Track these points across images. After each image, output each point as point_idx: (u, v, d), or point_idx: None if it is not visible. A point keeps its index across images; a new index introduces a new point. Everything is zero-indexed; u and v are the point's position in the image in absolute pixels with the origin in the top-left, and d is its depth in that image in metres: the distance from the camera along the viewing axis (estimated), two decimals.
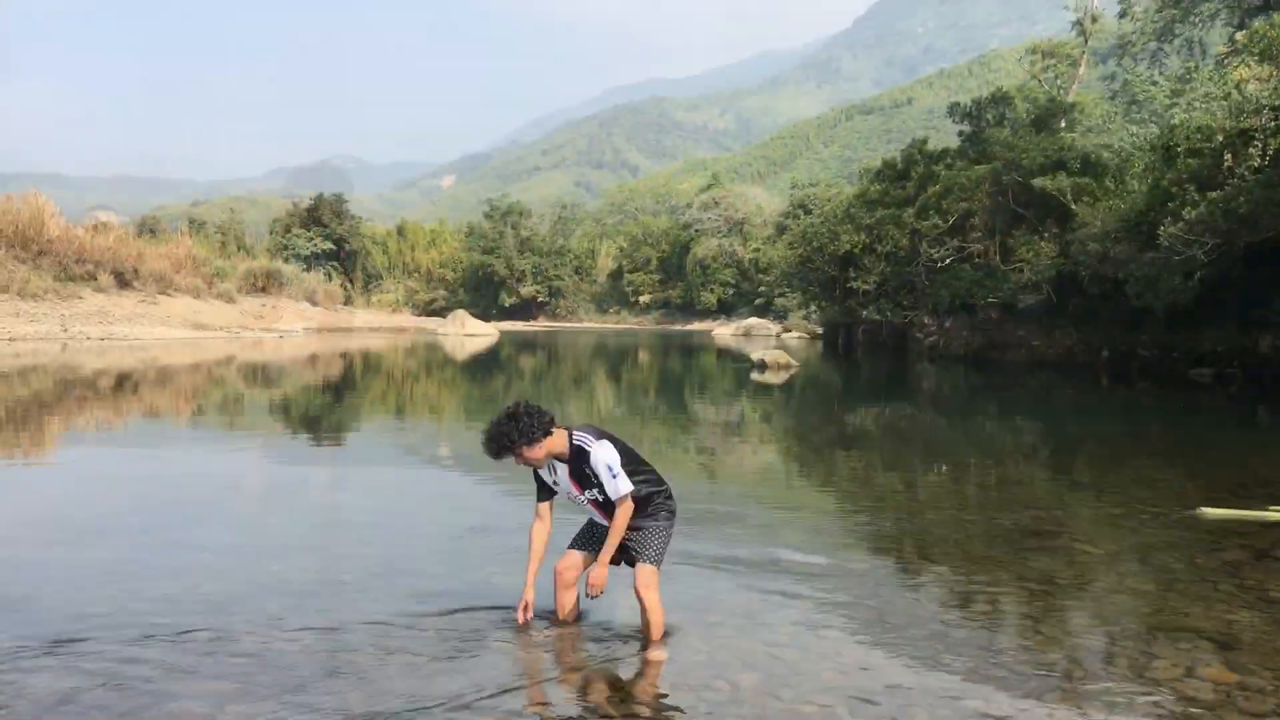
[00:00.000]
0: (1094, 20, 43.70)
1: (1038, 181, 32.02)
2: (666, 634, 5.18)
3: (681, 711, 4.25)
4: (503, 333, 60.76)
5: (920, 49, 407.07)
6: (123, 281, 41.88)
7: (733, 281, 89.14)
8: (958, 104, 40.04)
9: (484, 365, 26.07)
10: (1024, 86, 43.65)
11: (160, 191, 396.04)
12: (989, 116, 38.45)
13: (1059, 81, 43.54)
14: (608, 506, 5.14)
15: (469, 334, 58.08)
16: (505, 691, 4.50)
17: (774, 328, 67.39)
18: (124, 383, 16.89)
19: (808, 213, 60.53)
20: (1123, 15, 43.38)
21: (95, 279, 39.98)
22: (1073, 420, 16.48)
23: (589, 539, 5.31)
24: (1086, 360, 31.39)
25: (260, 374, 19.89)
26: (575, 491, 5.18)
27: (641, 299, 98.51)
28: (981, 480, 11.01)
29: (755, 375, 26.90)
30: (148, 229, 68.84)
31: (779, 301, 74.05)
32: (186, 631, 5.02)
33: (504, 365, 24.38)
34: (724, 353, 38.87)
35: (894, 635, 5.42)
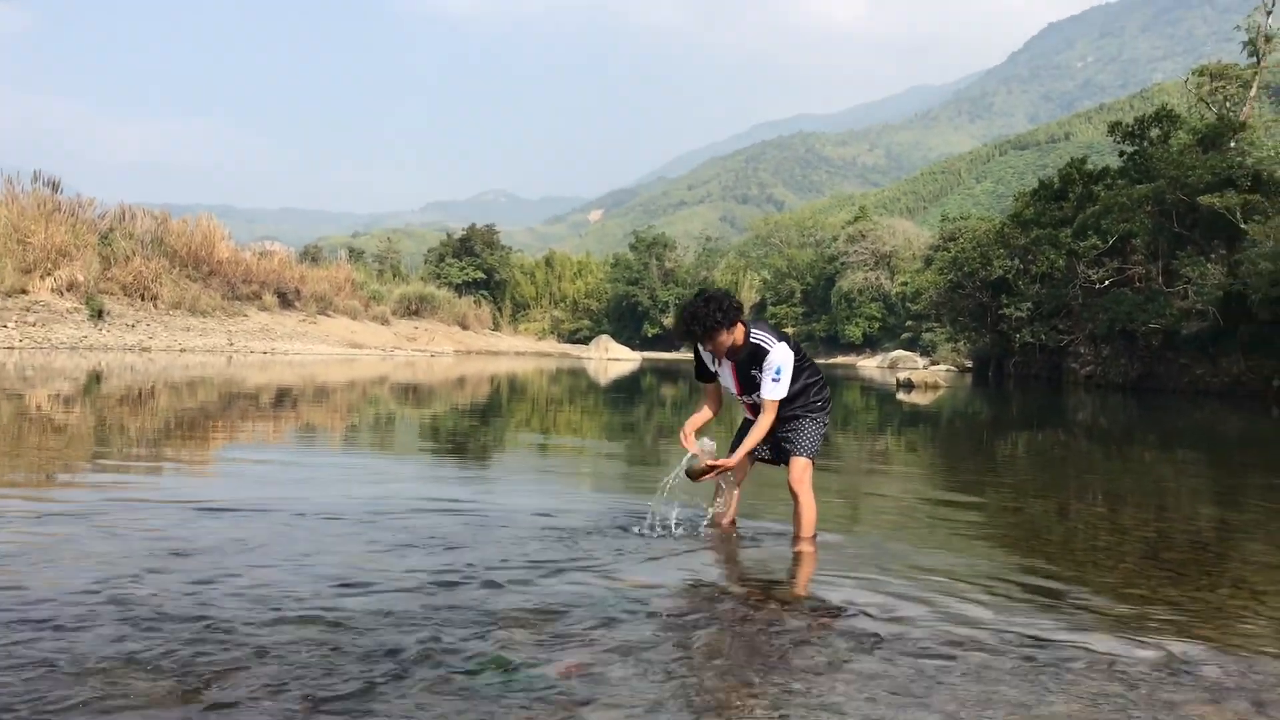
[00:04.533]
0: (1268, 40, 41.63)
1: (1204, 199, 30.57)
2: (816, 534, 5.19)
3: (825, 602, 4.14)
4: (645, 360, 61.10)
5: (1078, 84, 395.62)
6: (285, 302, 43.61)
7: (879, 315, 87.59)
8: (1118, 123, 38.59)
9: (626, 389, 26.10)
10: (1191, 109, 41.83)
11: (322, 223, 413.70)
12: (1152, 135, 36.91)
13: (1229, 104, 41.58)
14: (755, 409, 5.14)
15: (612, 358, 58.62)
16: (650, 560, 4.69)
17: (921, 361, 65.91)
18: (290, 397, 17.45)
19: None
20: None
21: (260, 298, 41.68)
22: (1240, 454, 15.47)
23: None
24: (1256, 389, 29.69)
25: (413, 393, 20.31)
26: (735, 391, 5.19)
27: (785, 331, 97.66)
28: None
29: (901, 395, 26.32)
30: (309, 257, 71.59)
31: (926, 336, 72.35)
32: None
33: (644, 392, 24.35)
34: (869, 384, 38.15)
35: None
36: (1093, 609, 4.09)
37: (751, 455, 5.21)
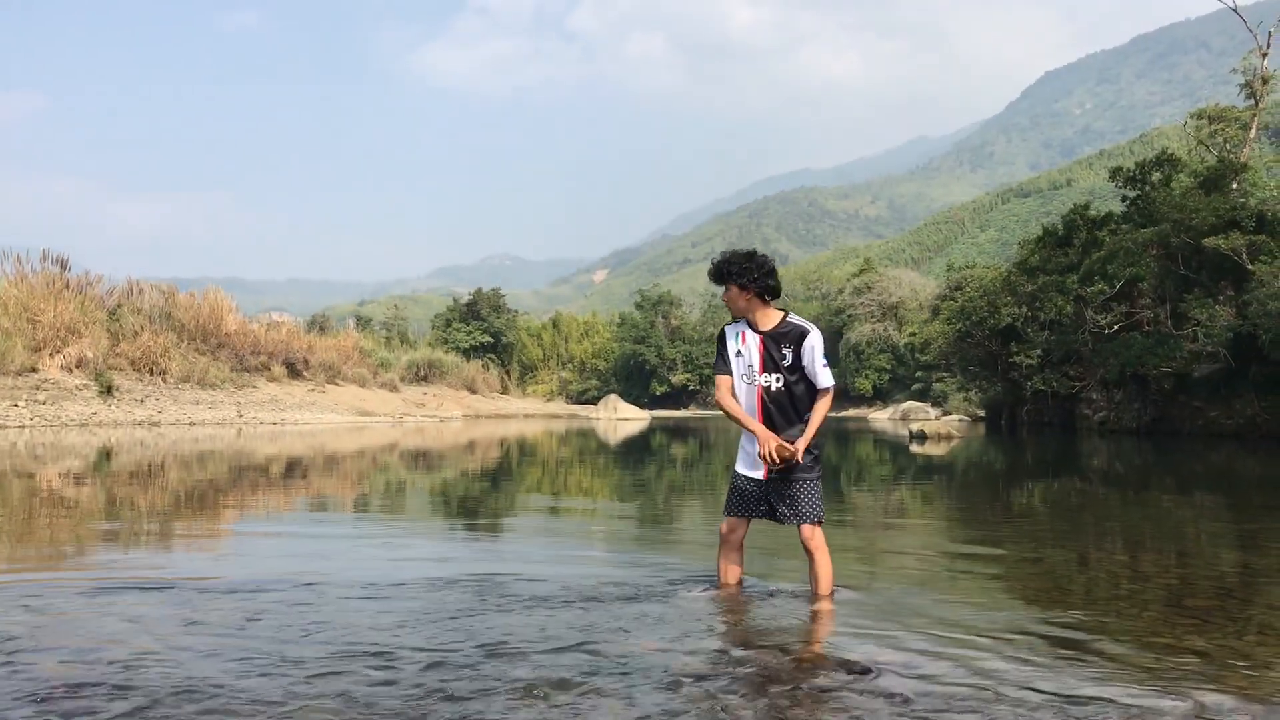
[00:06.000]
0: (1265, 81, 41.90)
1: (1209, 241, 30.58)
2: (834, 591, 5.16)
3: (849, 661, 4.09)
4: (654, 418, 60.95)
5: (1077, 130, 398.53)
6: (294, 372, 43.71)
7: (888, 367, 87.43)
8: (1120, 168, 38.77)
9: (636, 449, 26.02)
10: (1191, 151, 42.04)
11: (330, 293, 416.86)
12: (1154, 179, 37.07)
13: (1228, 146, 41.80)
14: (777, 400, 5.04)
15: (621, 418, 58.52)
16: (665, 623, 4.61)
17: (933, 412, 65.65)
18: (300, 468, 17.40)
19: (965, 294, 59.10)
20: None
21: (269, 369, 41.78)
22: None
23: (743, 505, 5.18)
24: (1271, 430, 29.51)
25: (423, 459, 20.26)
26: (757, 369, 5.06)
27: None
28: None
29: (914, 447, 26.17)
30: (317, 326, 71.95)
31: (937, 386, 72.16)
32: None
33: (655, 451, 24.24)
34: (881, 437, 37.99)
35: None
36: (1119, 660, 4.02)
37: (749, 514, 5.17)
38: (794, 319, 5.08)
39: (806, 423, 5.03)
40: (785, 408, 5.05)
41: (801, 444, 4.96)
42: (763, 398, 5.05)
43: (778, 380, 5.01)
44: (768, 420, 5.06)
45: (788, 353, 4.99)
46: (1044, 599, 5.47)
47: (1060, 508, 11.50)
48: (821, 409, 5.02)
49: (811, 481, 5.06)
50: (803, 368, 5.00)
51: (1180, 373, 32.53)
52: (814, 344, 4.98)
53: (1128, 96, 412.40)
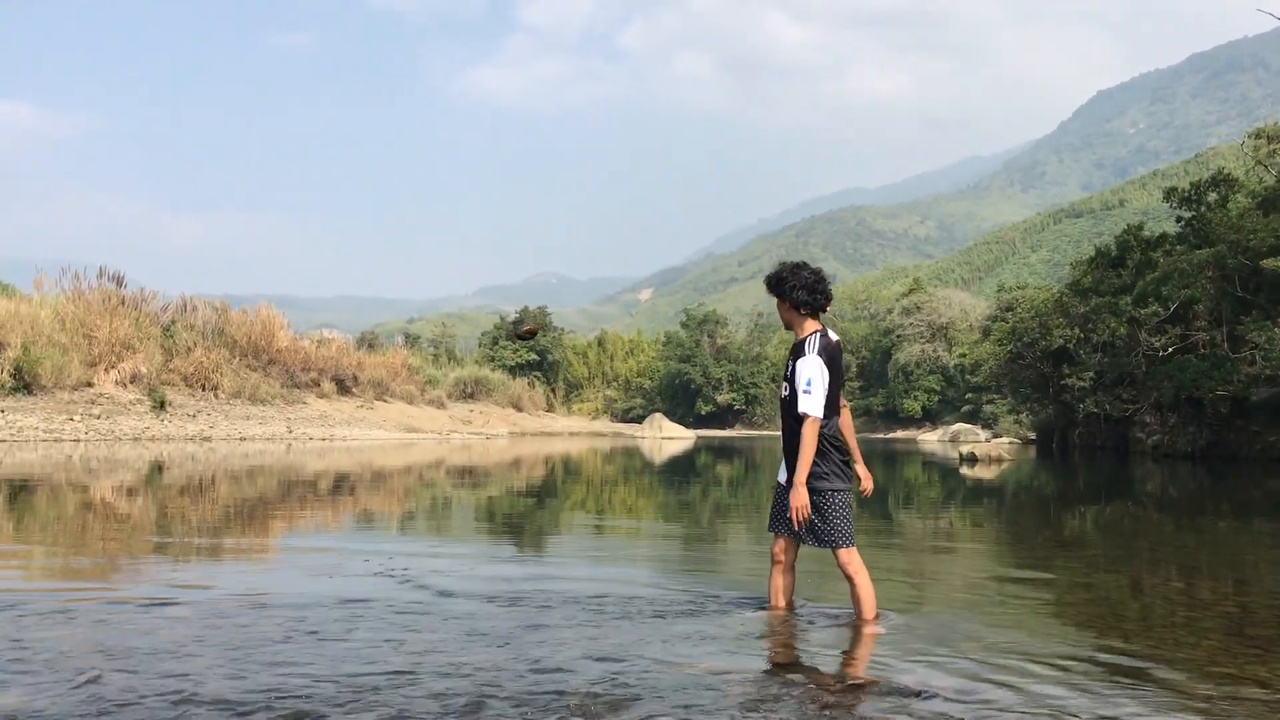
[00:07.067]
0: None
1: (1268, 263, 30.04)
2: (880, 614, 5.09)
3: (901, 686, 4.05)
4: (699, 438, 60.81)
5: (1130, 150, 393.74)
6: (343, 388, 44.10)
7: (937, 388, 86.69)
8: (1174, 189, 38.28)
9: (681, 469, 25.93)
10: (1249, 171, 41.39)
11: (379, 310, 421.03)
12: (1210, 199, 36.53)
13: None
14: (783, 410, 5.03)
15: (665, 437, 58.48)
16: (718, 644, 4.56)
17: (983, 434, 64.94)
18: (348, 484, 17.50)
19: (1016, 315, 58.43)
20: None
21: (318, 385, 42.16)
22: None
23: (774, 515, 5.14)
24: None
25: (470, 476, 20.32)
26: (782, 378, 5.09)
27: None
28: None
29: (964, 469, 25.87)
30: (367, 343, 72.62)
31: (988, 408, 71.36)
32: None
33: (701, 471, 24.13)
34: (930, 459, 37.57)
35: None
36: (1178, 689, 3.93)
37: (792, 533, 5.05)
38: (810, 338, 4.97)
39: (797, 452, 4.95)
40: (785, 418, 5.03)
41: (795, 496, 4.84)
42: (781, 409, 5.09)
43: (786, 391, 5.00)
44: (785, 429, 5.08)
45: (789, 366, 4.99)
46: (1098, 625, 5.37)
47: (1112, 532, 11.30)
48: (804, 441, 4.82)
49: (842, 498, 4.97)
50: (794, 384, 4.92)
51: (1237, 396, 31.92)
52: (802, 363, 4.88)
53: (1182, 116, 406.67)
